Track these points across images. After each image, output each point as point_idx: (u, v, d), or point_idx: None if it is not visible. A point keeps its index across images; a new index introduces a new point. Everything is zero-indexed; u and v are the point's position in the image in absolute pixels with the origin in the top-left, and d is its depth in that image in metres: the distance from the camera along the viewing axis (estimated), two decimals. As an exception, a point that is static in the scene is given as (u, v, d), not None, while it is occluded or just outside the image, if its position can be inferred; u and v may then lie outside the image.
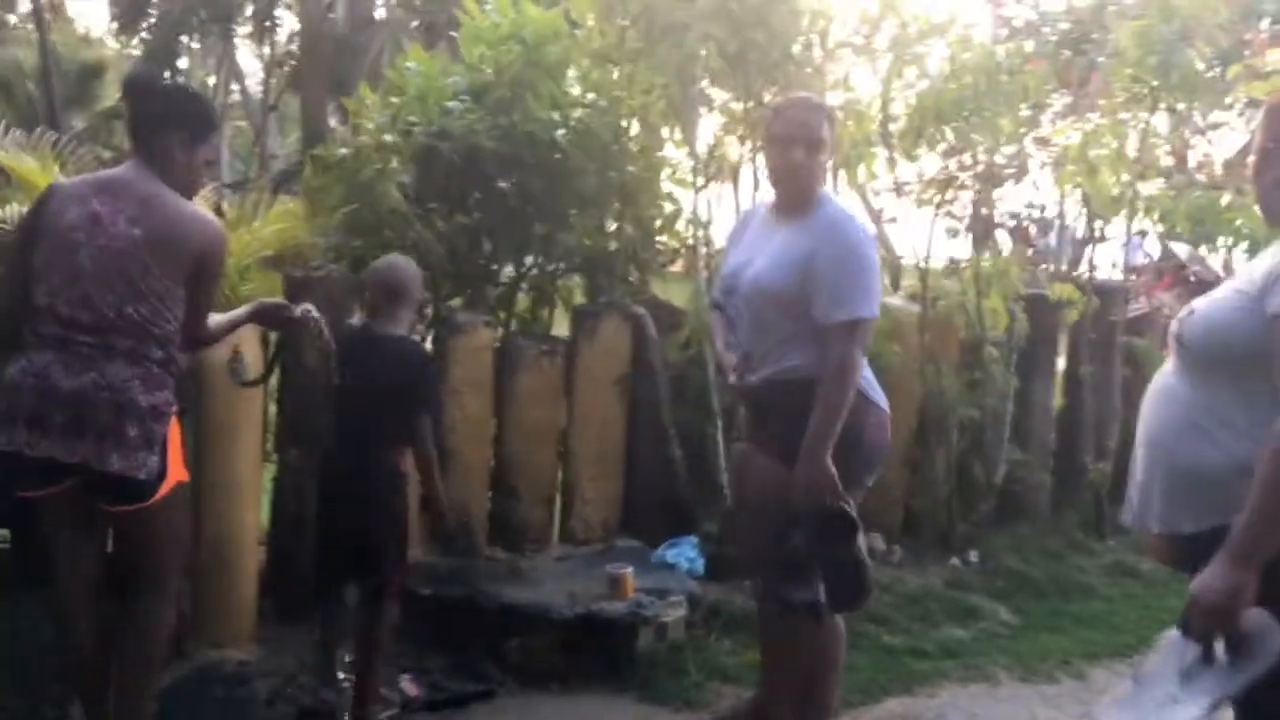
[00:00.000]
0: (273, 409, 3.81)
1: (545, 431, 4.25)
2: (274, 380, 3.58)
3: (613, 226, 4.62)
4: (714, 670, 3.58)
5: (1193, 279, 2.47)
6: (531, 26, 4.31)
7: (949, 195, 4.97)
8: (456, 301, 4.49)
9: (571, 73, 4.53)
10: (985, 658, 3.84)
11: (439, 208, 4.28)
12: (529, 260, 4.59)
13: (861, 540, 2.74)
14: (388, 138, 4.12)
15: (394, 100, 4.35)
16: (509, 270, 4.67)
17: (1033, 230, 5.85)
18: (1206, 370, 2.01)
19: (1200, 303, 2.07)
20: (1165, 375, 2.14)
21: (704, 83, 4.43)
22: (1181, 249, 2.67)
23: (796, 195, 2.86)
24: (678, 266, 5.00)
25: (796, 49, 4.32)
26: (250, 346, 3.27)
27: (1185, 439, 2.02)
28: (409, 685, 3.32)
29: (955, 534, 4.73)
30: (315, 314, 2.94)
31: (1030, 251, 6.30)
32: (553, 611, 3.56)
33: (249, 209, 4.63)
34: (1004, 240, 6.63)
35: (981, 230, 5.12)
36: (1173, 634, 1.96)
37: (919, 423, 4.79)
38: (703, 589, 3.96)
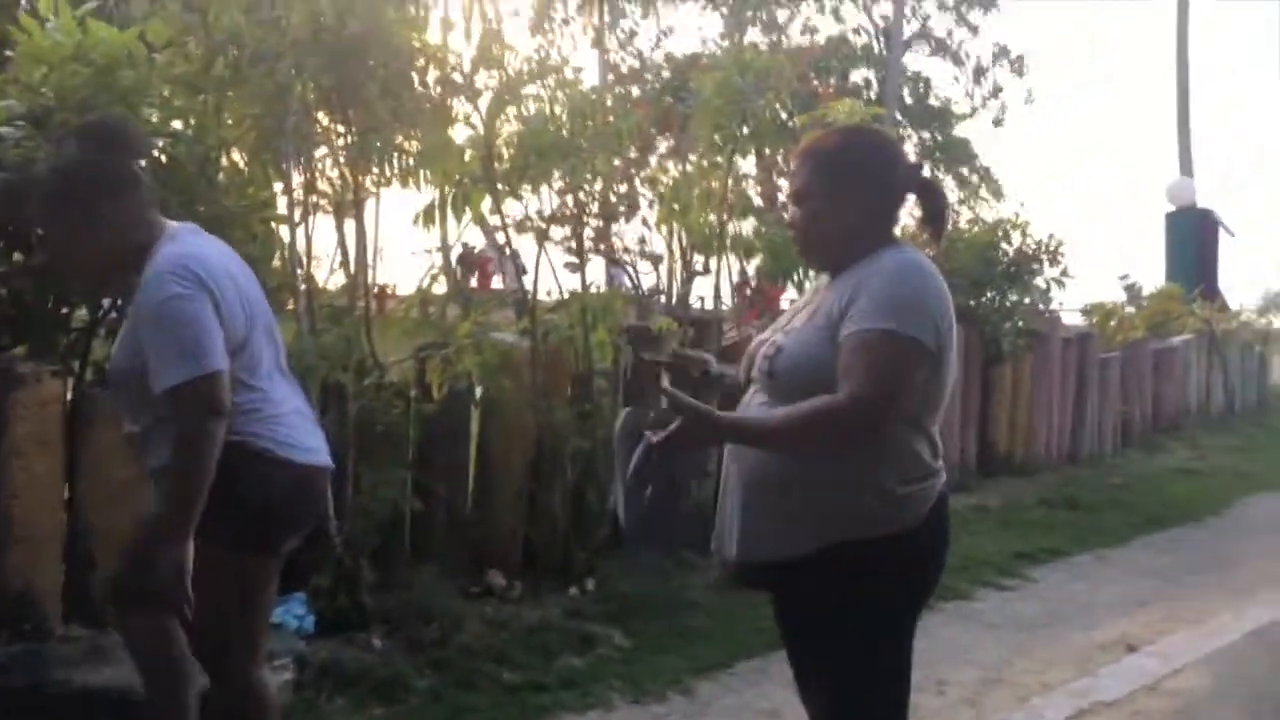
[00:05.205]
0: None
1: (128, 492, 3.84)
2: None
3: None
4: (325, 732, 3.42)
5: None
6: (102, 48, 3.93)
7: (564, 230, 5.11)
8: (20, 350, 3.99)
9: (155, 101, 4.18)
10: (601, 684, 3.92)
11: (-8, 246, 3.78)
12: (106, 303, 4.16)
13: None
14: (-79, 168, 3.58)
15: (-69, 126, 3.79)
16: (83, 314, 4.21)
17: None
18: (798, 400, 2.14)
19: (785, 341, 2.22)
20: (752, 408, 2.26)
21: (301, 115, 4.25)
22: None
23: None
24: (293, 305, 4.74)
25: (399, 85, 4.26)
26: None
27: (789, 467, 2.15)
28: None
29: (574, 563, 4.83)
30: None
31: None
32: (137, 692, 3.23)
33: None
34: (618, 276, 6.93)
35: (510, 267, 5.31)
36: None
37: (535, 456, 4.85)
38: (313, 647, 3.78)
